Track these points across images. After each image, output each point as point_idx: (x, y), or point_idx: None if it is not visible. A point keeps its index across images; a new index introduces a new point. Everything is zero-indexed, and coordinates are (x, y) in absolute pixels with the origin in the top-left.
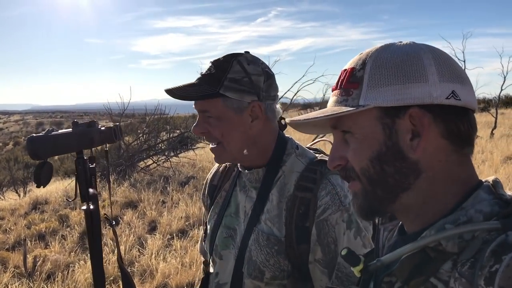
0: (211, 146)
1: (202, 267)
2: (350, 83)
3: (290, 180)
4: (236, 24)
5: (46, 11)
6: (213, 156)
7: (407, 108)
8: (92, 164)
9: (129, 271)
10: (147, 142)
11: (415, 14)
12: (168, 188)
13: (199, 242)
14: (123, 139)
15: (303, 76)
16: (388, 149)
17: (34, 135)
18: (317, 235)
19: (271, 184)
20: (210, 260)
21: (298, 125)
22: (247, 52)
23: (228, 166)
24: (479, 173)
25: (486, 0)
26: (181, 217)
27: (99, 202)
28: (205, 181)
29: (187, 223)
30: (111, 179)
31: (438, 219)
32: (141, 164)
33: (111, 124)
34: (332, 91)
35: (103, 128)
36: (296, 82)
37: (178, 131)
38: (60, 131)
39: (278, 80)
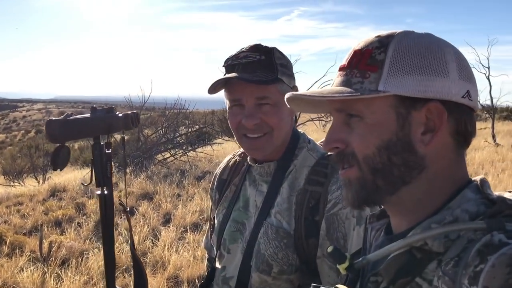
0: (253, 136)
1: (206, 263)
2: (367, 65)
3: (301, 175)
4: (259, 22)
5: (71, 2)
6: (256, 147)
7: (426, 101)
8: (108, 150)
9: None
10: (165, 135)
11: (440, 19)
12: (184, 182)
13: (204, 237)
14: (142, 132)
15: (324, 75)
16: (398, 140)
17: (53, 118)
18: (327, 230)
19: (282, 178)
20: (217, 255)
21: (296, 100)
22: None
23: (238, 160)
24: (499, 182)
25: None
26: (196, 211)
27: (116, 192)
28: (213, 176)
29: (201, 217)
30: (128, 170)
31: (425, 218)
32: (159, 157)
33: (129, 111)
34: (340, 70)
35: (120, 114)
36: (316, 81)
37: (196, 126)
38: (78, 116)
39: (298, 79)
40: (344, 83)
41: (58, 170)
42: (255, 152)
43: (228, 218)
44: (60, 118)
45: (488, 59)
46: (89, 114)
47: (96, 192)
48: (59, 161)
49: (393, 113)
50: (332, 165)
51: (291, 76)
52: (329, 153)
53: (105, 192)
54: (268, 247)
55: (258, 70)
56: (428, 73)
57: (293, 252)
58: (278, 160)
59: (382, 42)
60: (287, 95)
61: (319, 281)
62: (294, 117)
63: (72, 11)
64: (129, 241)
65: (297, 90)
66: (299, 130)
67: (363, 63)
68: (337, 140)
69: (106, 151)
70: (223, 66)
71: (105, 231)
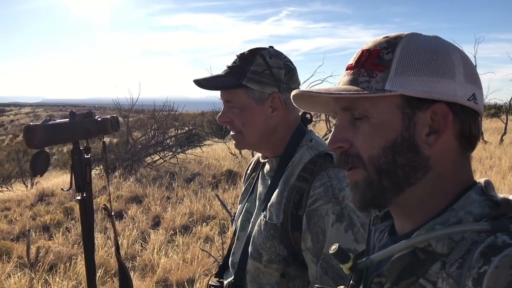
0: (231, 133)
1: None
2: (375, 64)
3: (295, 171)
4: (247, 22)
5: (58, 5)
6: (235, 142)
7: (431, 102)
8: (88, 155)
9: (130, 265)
10: (154, 138)
11: (427, 17)
12: (173, 184)
13: None
14: (131, 134)
15: (312, 76)
16: (403, 140)
17: (31, 124)
18: (307, 224)
19: (281, 174)
20: (233, 241)
21: (303, 98)
22: (271, 47)
23: (259, 157)
24: None
25: (500, 5)
26: (185, 213)
27: (104, 196)
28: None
29: (190, 219)
30: (117, 173)
31: (429, 219)
32: (148, 159)
33: (108, 116)
34: (347, 69)
35: (99, 119)
36: (304, 81)
37: (186, 128)
38: (57, 120)
39: None
40: (351, 81)
41: (38, 175)
42: (235, 146)
43: (243, 208)
44: (38, 123)
45: (475, 57)
46: (67, 119)
47: (76, 197)
48: (38, 167)
49: (398, 113)
50: (321, 163)
51: (267, 83)
52: (324, 152)
53: (85, 197)
54: (259, 237)
55: (229, 76)
56: (434, 74)
57: (279, 243)
58: (280, 156)
59: (390, 43)
60: (293, 92)
61: (306, 272)
62: (305, 115)
63: (58, 13)
64: (115, 246)
65: (284, 97)
66: (309, 129)
67: (371, 63)
68: (342, 140)
69: (85, 156)
70: None
71: (86, 236)
